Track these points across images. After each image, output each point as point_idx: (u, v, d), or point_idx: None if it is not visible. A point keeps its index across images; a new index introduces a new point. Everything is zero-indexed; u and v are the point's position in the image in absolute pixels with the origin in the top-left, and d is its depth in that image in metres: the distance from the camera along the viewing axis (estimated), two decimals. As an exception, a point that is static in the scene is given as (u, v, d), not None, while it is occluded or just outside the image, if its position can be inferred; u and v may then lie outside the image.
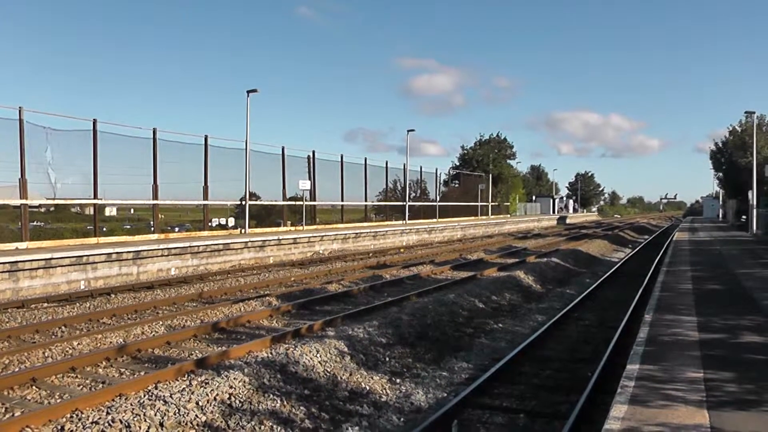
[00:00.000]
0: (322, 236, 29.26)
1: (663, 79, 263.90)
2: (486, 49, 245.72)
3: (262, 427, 7.28)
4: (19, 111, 19.49)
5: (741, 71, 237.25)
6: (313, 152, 34.72)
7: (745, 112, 44.80)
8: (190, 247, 21.58)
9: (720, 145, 58.67)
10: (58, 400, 7.84)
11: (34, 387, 8.50)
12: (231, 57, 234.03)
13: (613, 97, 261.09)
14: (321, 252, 28.60)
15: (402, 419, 7.95)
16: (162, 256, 20.44)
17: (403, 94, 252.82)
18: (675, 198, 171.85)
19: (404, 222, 42.48)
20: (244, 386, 8.10)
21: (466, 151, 75.62)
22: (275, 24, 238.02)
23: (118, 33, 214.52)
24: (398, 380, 9.47)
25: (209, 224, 28.70)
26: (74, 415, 7.00)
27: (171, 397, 7.45)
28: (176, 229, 33.49)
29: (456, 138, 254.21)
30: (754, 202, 38.65)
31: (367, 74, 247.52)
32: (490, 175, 63.85)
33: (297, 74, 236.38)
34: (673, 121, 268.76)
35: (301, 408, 7.93)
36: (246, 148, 29.10)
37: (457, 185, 61.00)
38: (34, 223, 26.61)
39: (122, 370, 9.49)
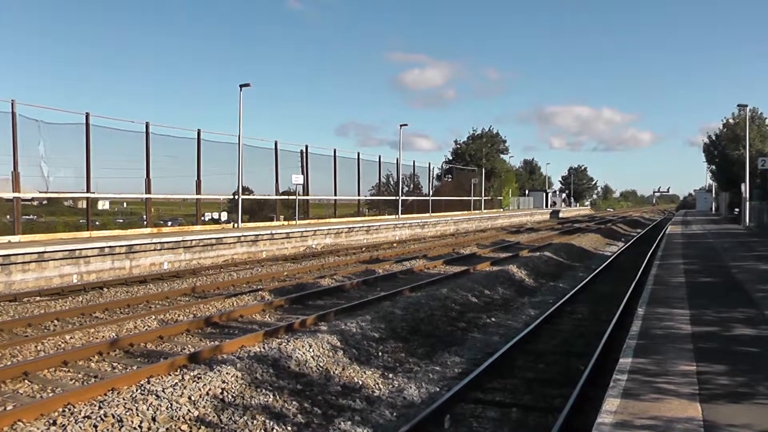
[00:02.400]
0: (315, 231, 29.22)
1: (654, 71, 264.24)
2: (476, 41, 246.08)
3: (255, 421, 7.26)
4: (12, 104, 19.42)
5: (733, 65, 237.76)
6: (306, 147, 34.73)
7: (738, 105, 44.95)
8: (182, 241, 21.52)
9: (713, 138, 58.86)
10: (51, 394, 7.82)
11: (26, 381, 8.47)
12: (223, 51, 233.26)
13: (605, 91, 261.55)
14: (314, 246, 28.58)
15: (394, 414, 7.94)
16: (155, 250, 20.38)
17: (394, 89, 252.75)
18: (668, 191, 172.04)
19: (397, 216, 42.49)
20: (237, 381, 8.08)
21: (458, 146, 75.64)
22: (266, 18, 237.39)
23: (110, 28, 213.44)
24: (391, 375, 9.47)
25: (202, 218, 28.65)
26: (66, 410, 6.98)
27: (163, 391, 7.43)
28: (169, 223, 33.45)
29: (448, 132, 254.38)
30: (747, 195, 38.75)
31: (358, 68, 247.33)
32: (483, 170, 63.87)
33: (289, 68, 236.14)
34: (665, 114, 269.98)
35: (294, 402, 7.92)
36: (239, 143, 29.05)
37: (450, 180, 61.00)
38: (27, 217, 26.53)
39: (115, 364, 9.46)
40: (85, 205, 23.73)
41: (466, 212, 55.19)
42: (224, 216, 37.23)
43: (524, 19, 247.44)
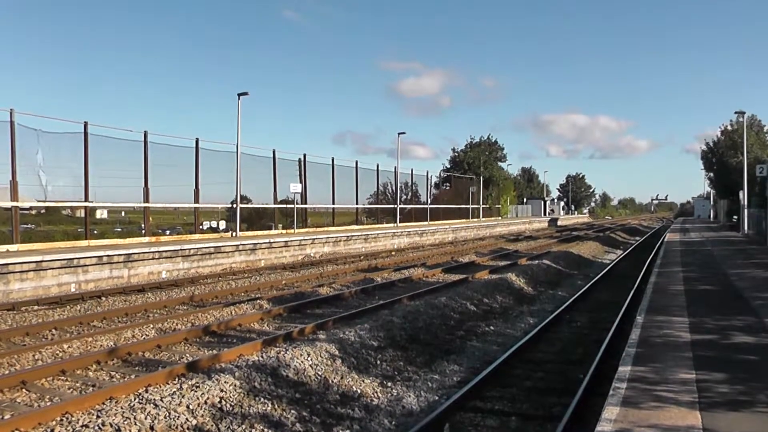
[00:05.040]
0: (313, 239, 29.21)
1: (649, 79, 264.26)
2: (471, 49, 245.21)
3: (253, 430, 7.24)
4: (11, 113, 19.41)
5: (727, 72, 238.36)
6: (304, 155, 34.73)
7: (736, 113, 45.02)
8: (181, 250, 21.50)
9: (711, 145, 58.95)
10: (49, 403, 7.79)
11: (24, 390, 8.44)
12: (220, 61, 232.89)
13: (600, 98, 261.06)
14: (312, 255, 28.55)
15: (393, 422, 7.92)
16: (153, 259, 20.35)
17: (390, 97, 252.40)
18: (666, 199, 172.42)
19: (395, 225, 42.48)
20: (235, 390, 8.06)
21: (456, 154, 75.80)
22: (262, 28, 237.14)
23: (108, 37, 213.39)
24: (389, 383, 9.45)
25: (200, 227, 28.62)
26: (64, 419, 6.96)
27: (162, 400, 7.41)
28: (167, 232, 33.38)
29: (444, 140, 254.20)
30: (745, 202, 38.78)
31: (353, 77, 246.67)
32: (481, 178, 63.92)
33: (285, 78, 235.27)
34: (661, 122, 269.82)
35: (292, 411, 7.90)
36: (237, 151, 29.03)
37: (448, 188, 61.05)
38: (25, 226, 26.48)
39: (113, 373, 9.43)
40: (83, 214, 23.70)
41: (464, 220, 55.21)
42: (222, 225, 37.23)
43: (517, 27, 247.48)
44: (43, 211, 30.17)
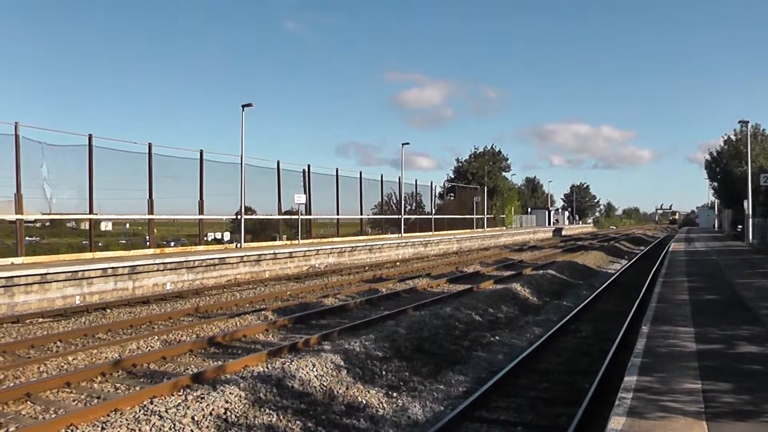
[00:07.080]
0: (318, 250, 29.22)
1: (651, 88, 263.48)
2: (473, 60, 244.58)
3: (259, 441, 7.23)
4: (15, 126, 19.52)
5: (729, 81, 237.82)
6: (309, 166, 34.80)
7: (740, 122, 45.02)
8: (185, 261, 21.52)
9: (715, 154, 58.92)
10: (53, 416, 7.78)
11: (29, 402, 8.44)
12: (222, 72, 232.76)
13: (602, 108, 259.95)
14: (317, 266, 28.56)
15: (399, 433, 7.90)
16: (158, 270, 20.37)
17: (393, 108, 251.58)
18: (670, 208, 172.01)
19: (400, 235, 42.47)
20: (240, 401, 8.05)
21: (461, 164, 75.90)
22: (263, 39, 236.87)
23: (109, 48, 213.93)
24: (395, 394, 9.42)
25: (205, 239, 28.65)
26: (69, 431, 6.96)
27: (166, 412, 7.41)
28: (172, 243, 33.37)
29: (447, 151, 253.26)
30: (750, 212, 38.71)
31: (356, 88, 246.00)
32: (486, 188, 63.93)
33: (287, 89, 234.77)
34: (663, 131, 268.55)
35: (297, 422, 7.88)
36: (241, 163, 29.11)
37: (452, 198, 61.06)
38: (30, 238, 26.55)
39: (118, 385, 9.43)
40: (88, 227, 23.75)
41: (468, 230, 55.17)
42: (227, 236, 37.19)
43: (518, 38, 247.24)
44: (47, 223, 30.25)
